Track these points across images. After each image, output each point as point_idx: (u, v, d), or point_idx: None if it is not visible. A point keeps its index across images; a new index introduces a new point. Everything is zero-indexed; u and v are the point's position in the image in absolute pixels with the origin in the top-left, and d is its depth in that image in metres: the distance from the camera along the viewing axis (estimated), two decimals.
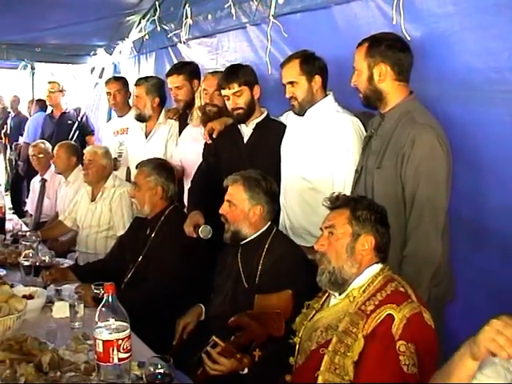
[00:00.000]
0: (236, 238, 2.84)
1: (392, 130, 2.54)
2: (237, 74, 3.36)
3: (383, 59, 2.56)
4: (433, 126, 2.47)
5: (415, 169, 2.42)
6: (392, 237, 2.22)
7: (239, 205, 2.80)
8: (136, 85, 4.54)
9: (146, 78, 4.68)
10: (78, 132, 6.56)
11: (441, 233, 2.46)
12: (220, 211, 2.86)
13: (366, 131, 2.86)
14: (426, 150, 2.41)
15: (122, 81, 5.25)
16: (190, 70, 4.23)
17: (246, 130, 3.43)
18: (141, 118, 4.50)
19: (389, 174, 2.51)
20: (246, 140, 3.42)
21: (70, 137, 6.42)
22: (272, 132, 3.32)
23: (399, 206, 2.49)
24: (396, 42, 2.60)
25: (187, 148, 4.05)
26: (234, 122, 3.49)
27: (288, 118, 3.31)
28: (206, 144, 3.65)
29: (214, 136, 3.56)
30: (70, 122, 6.58)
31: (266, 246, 2.78)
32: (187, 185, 3.90)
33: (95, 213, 4.30)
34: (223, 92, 3.39)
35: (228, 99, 3.38)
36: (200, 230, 3.13)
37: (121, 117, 5.16)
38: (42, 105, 8.02)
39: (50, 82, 6.72)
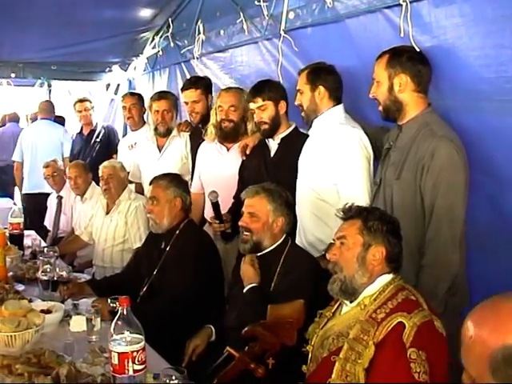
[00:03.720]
0: (255, 250, 2.87)
1: (411, 141, 2.56)
2: (262, 89, 3.46)
3: (404, 70, 2.60)
4: (451, 138, 2.49)
5: (434, 180, 2.44)
6: (410, 247, 2.23)
7: (263, 216, 2.83)
8: (162, 98, 4.59)
9: (170, 93, 4.80)
10: (102, 149, 6.16)
11: (458, 243, 2.47)
12: (240, 223, 2.89)
13: (383, 146, 2.86)
14: (445, 162, 2.44)
15: (137, 96, 5.42)
16: (205, 85, 4.33)
17: (273, 145, 3.51)
18: (168, 133, 4.56)
19: (408, 185, 2.53)
20: (272, 154, 3.50)
21: (95, 154, 6.14)
22: (296, 146, 3.31)
23: (418, 216, 2.51)
24: (416, 54, 2.66)
25: (203, 162, 4.10)
26: (262, 137, 3.57)
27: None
28: (242, 160, 3.75)
29: (248, 152, 3.67)
30: (97, 139, 6.28)
31: (282, 258, 2.80)
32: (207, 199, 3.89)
33: (110, 225, 4.33)
34: (250, 105, 3.50)
35: (254, 113, 3.48)
36: (208, 194, 3.25)
37: (134, 131, 5.26)
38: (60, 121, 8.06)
39: (80, 101, 6.24)
